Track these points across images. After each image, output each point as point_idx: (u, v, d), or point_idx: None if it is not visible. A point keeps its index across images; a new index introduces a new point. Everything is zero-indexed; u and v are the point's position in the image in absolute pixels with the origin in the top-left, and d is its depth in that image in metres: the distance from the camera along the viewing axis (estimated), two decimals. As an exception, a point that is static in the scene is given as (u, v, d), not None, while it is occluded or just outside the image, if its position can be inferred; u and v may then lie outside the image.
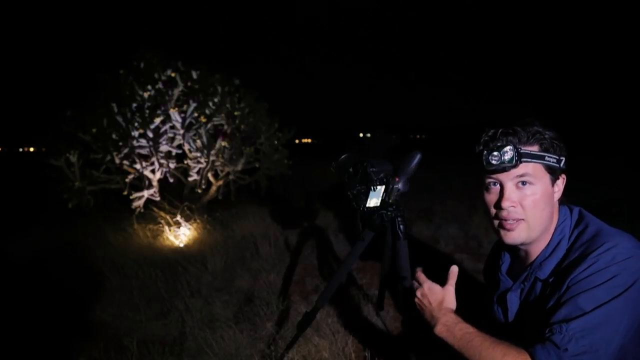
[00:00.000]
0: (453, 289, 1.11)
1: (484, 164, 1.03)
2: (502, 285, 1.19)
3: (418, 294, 1.14)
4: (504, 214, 1.04)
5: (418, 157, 1.32)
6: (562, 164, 1.04)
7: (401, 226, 1.39)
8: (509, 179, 1.02)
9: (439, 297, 1.10)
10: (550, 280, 1.04)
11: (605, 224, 1.04)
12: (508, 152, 0.99)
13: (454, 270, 1.13)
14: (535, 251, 1.10)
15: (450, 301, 1.09)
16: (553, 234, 1.08)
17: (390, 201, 1.35)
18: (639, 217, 3.56)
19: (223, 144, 4.50)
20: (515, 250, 1.17)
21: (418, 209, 5.23)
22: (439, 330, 1.04)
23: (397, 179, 1.33)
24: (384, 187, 1.35)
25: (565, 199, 1.11)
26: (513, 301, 1.15)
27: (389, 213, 1.38)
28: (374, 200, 1.36)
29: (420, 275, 1.17)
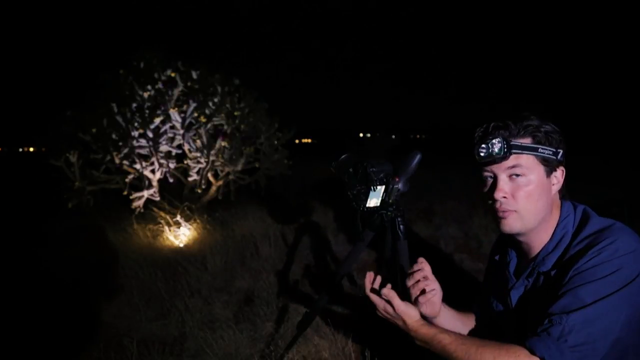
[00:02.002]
0: (402, 305, 1.06)
1: (476, 156, 1.06)
2: (507, 282, 1.20)
3: (377, 312, 1.12)
4: (496, 205, 1.06)
5: (418, 157, 1.32)
6: (559, 156, 1.05)
7: (401, 226, 1.38)
8: (501, 171, 1.05)
9: (398, 318, 1.07)
10: (553, 272, 1.06)
11: (611, 220, 1.05)
12: (497, 144, 1.02)
13: (386, 292, 1.07)
14: (537, 246, 1.11)
15: (410, 315, 1.06)
16: (555, 229, 1.09)
17: (390, 201, 1.35)
18: (639, 217, 3.56)
19: (223, 144, 4.51)
20: (519, 246, 1.17)
21: (418, 209, 5.23)
22: (420, 344, 1.05)
23: (397, 179, 1.33)
24: (384, 187, 1.35)
25: (568, 195, 1.12)
26: (516, 298, 1.16)
27: (389, 213, 1.38)
28: (374, 201, 1.36)
29: (372, 296, 1.12)
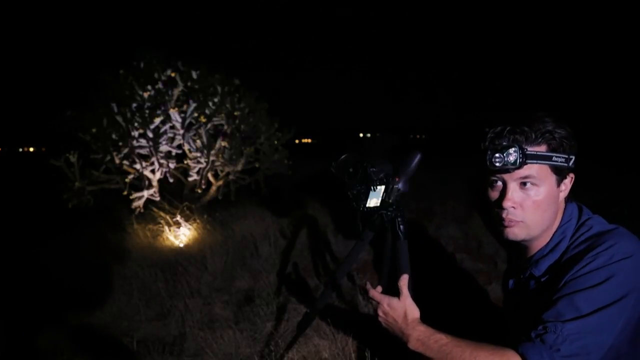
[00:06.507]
0: (410, 298, 1.08)
1: (487, 164, 1.00)
2: (509, 275, 1.23)
3: (380, 312, 1.11)
4: (503, 214, 1.04)
5: (418, 157, 1.32)
6: (571, 163, 1.02)
7: (401, 226, 1.38)
8: (512, 179, 1.01)
9: (401, 311, 1.07)
10: (544, 278, 1.05)
11: (613, 225, 1.03)
12: (512, 154, 0.97)
13: (403, 279, 1.11)
14: (535, 248, 1.10)
15: (413, 310, 1.07)
16: (554, 234, 1.07)
17: (391, 201, 1.35)
18: (639, 217, 3.56)
19: (223, 144, 4.50)
20: (519, 246, 1.18)
21: (418, 209, 5.23)
22: (414, 345, 1.02)
23: (397, 179, 1.33)
24: (384, 187, 1.35)
25: (572, 197, 1.10)
26: (509, 293, 1.18)
27: (389, 213, 1.38)
28: (374, 200, 1.36)
29: (374, 293, 1.13)
